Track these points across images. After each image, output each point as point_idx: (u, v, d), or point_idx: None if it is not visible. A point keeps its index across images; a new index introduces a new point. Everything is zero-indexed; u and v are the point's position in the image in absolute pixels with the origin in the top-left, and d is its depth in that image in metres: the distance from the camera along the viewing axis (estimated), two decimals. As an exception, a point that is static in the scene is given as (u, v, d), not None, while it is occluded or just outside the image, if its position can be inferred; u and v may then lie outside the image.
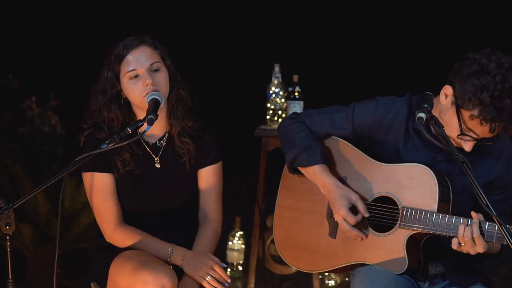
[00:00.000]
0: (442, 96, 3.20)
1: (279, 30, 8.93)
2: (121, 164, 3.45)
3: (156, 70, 3.42)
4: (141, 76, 3.39)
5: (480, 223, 3.07)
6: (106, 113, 3.46)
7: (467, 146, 3.17)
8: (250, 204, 4.56)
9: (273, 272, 4.85)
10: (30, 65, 7.61)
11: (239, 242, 4.88)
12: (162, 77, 3.43)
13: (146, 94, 3.35)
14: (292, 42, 8.86)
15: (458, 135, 3.15)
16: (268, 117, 4.70)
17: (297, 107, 4.54)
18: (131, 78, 3.40)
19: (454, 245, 3.11)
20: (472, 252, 3.10)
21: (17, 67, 6.27)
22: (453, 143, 3.19)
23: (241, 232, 4.90)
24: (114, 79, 3.44)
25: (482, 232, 3.06)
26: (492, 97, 3.02)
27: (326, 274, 4.76)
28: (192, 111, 3.57)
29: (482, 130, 3.11)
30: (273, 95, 4.69)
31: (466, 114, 3.10)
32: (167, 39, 3.55)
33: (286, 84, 4.71)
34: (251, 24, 9.02)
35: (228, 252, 4.89)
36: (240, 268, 4.90)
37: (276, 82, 4.71)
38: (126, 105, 3.49)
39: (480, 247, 3.07)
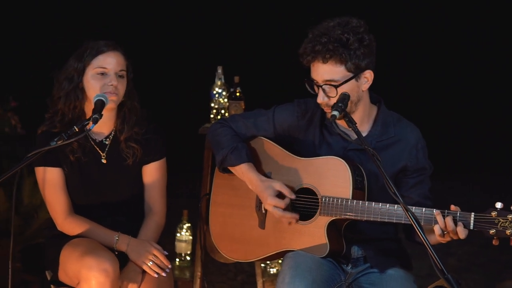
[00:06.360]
0: (366, 84, 3.52)
1: (222, 34, 9.14)
2: (71, 153, 3.64)
3: (121, 77, 3.64)
4: (108, 75, 3.60)
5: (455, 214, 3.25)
6: (68, 101, 3.64)
7: (318, 96, 3.50)
8: (197, 198, 4.71)
9: (226, 264, 5.00)
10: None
11: (187, 233, 5.03)
12: (124, 84, 3.66)
13: (106, 92, 3.57)
14: (234, 45, 9.06)
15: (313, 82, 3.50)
16: (212, 116, 4.87)
17: (238, 106, 4.74)
18: (98, 74, 3.60)
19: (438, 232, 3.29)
20: (455, 238, 3.28)
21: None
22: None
23: (189, 224, 5.06)
24: (81, 70, 3.62)
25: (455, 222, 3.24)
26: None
27: (268, 262, 4.98)
28: (141, 119, 3.78)
29: (311, 69, 3.51)
30: (216, 95, 4.86)
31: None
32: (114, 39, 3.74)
33: (228, 84, 4.88)
34: (197, 30, 9.25)
35: (177, 243, 5.05)
36: (188, 258, 5.07)
37: (219, 83, 4.87)
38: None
39: (461, 235, 3.25)
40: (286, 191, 3.54)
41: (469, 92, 9.84)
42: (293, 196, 3.54)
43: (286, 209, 3.54)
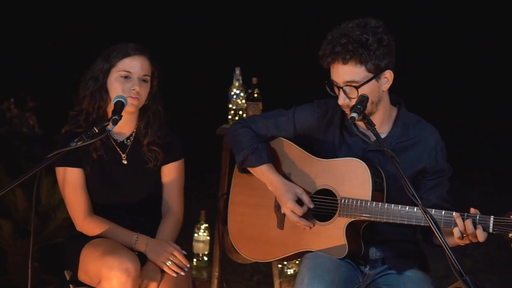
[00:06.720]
0: (386, 84, 3.52)
1: (240, 35, 9.19)
2: (94, 151, 3.67)
3: (145, 81, 3.67)
4: (131, 79, 3.63)
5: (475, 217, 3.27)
6: (93, 101, 3.67)
7: (339, 97, 3.50)
8: (214, 198, 4.69)
9: (243, 264, 5.03)
10: (8, 68, 7.76)
11: (204, 234, 5.06)
12: (146, 89, 3.69)
13: (128, 96, 3.60)
14: (252, 46, 9.11)
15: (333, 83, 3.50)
16: (229, 117, 4.88)
17: (255, 107, 4.75)
18: (121, 76, 3.64)
19: (457, 235, 3.30)
20: (475, 241, 3.30)
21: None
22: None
23: (206, 225, 5.09)
24: (106, 71, 3.65)
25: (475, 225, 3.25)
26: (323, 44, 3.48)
27: (285, 263, 4.98)
28: (164, 124, 3.82)
29: (331, 71, 3.51)
30: (234, 96, 4.88)
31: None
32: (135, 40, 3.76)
33: (246, 86, 4.89)
34: (215, 31, 9.28)
35: (194, 244, 5.08)
36: (206, 258, 5.10)
37: (237, 84, 4.88)
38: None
39: (481, 238, 3.26)
40: (306, 199, 3.57)
41: (468, 92, 9.83)
42: (311, 206, 3.56)
43: (303, 215, 3.57)
